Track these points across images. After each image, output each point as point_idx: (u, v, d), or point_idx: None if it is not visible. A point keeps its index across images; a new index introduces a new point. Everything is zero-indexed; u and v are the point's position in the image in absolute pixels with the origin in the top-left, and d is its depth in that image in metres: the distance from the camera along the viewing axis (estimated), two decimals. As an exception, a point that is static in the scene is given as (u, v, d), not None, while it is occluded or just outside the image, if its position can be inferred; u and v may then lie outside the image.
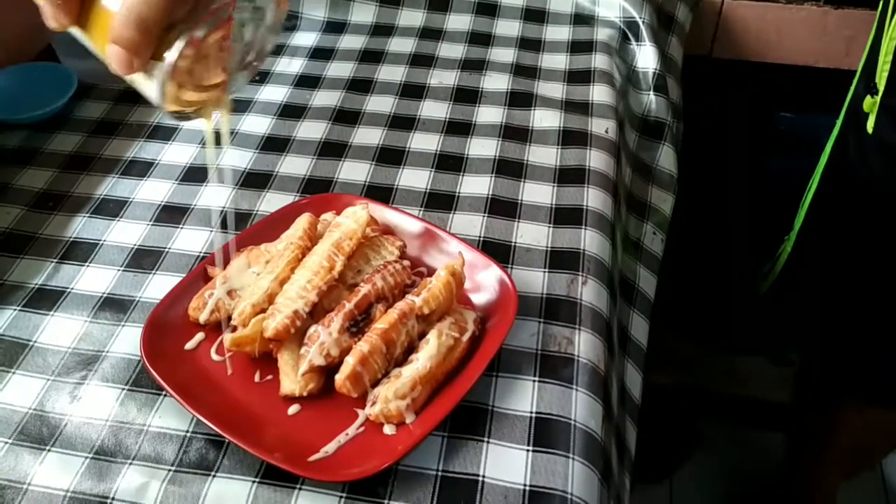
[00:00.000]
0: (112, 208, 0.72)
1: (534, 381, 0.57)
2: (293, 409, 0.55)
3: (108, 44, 0.35)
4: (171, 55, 0.36)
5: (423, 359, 0.55)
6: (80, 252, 0.68)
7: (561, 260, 0.66)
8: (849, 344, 0.94)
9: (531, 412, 0.55)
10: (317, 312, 0.58)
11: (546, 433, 0.54)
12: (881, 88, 0.75)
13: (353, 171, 0.75)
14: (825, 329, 0.97)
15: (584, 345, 0.60)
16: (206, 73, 0.39)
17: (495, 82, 0.86)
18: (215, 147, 0.46)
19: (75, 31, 0.38)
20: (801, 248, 0.96)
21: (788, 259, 0.98)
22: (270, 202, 0.72)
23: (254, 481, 0.52)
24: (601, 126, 0.80)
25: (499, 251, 0.67)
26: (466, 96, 0.84)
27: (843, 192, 0.88)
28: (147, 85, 0.38)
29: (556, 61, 0.90)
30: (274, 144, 0.79)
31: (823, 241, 0.92)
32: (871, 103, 0.77)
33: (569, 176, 0.74)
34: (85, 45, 0.39)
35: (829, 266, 0.92)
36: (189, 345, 0.59)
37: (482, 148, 0.78)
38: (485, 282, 0.62)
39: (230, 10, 0.37)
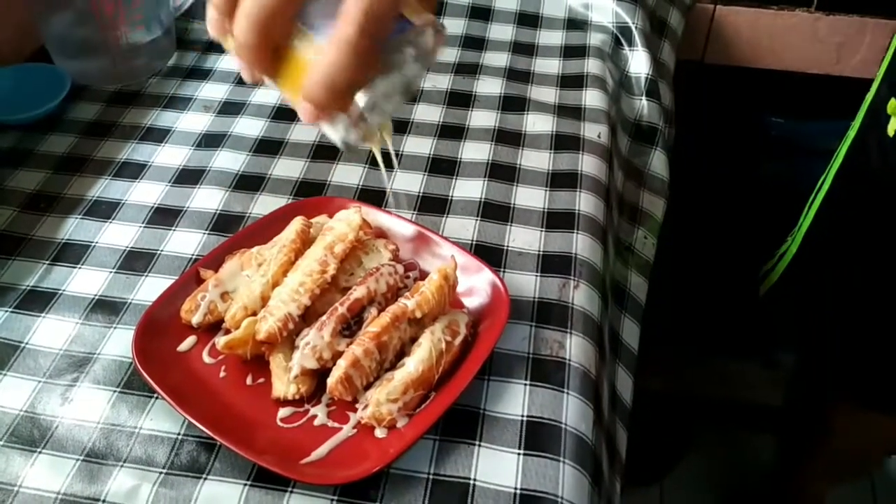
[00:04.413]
0: (105, 210, 0.72)
1: (525, 384, 0.57)
2: (285, 411, 0.55)
3: (300, 99, 0.39)
4: (353, 110, 0.40)
5: (416, 362, 0.55)
6: (73, 254, 0.68)
7: (553, 264, 0.66)
8: (850, 344, 0.94)
9: (522, 416, 0.56)
10: (309, 315, 0.58)
11: (537, 437, 0.54)
12: None
13: (347, 174, 0.75)
14: (828, 327, 0.97)
15: (575, 349, 0.60)
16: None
17: (488, 86, 0.87)
18: (386, 169, 0.51)
19: (269, 81, 0.42)
20: (807, 249, 0.96)
21: (793, 259, 0.98)
22: (263, 205, 0.72)
23: (245, 484, 0.52)
24: (593, 131, 0.80)
25: (491, 255, 0.67)
26: (460, 100, 0.85)
27: (860, 195, 0.88)
28: (330, 129, 0.42)
29: (549, 66, 0.90)
30: (267, 147, 0.79)
31: (833, 241, 0.92)
32: (894, 106, 0.77)
33: (561, 180, 0.75)
34: (277, 91, 0.42)
35: (838, 266, 0.92)
36: (181, 347, 0.59)
37: (475, 152, 0.78)
38: (477, 285, 0.62)
39: (405, 65, 0.42)
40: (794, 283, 0.98)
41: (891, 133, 0.78)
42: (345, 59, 0.37)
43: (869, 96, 0.85)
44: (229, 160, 0.77)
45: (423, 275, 0.62)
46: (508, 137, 0.80)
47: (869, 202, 0.86)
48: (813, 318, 0.99)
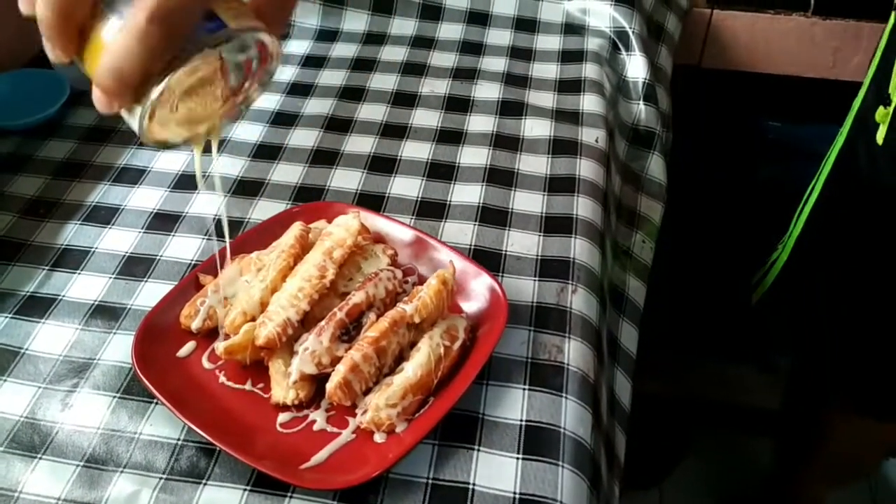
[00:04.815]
0: (104, 215, 0.72)
1: (524, 389, 0.58)
2: (284, 416, 0.55)
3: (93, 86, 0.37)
4: (146, 99, 0.37)
5: (414, 367, 0.55)
6: (72, 259, 0.68)
7: (551, 268, 0.67)
8: (841, 352, 0.94)
9: (521, 420, 0.56)
10: (308, 321, 0.58)
11: (536, 441, 0.55)
12: (895, 100, 0.76)
13: (345, 179, 0.76)
14: (821, 333, 0.97)
15: (573, 353, 0.60)
16: (190, 110, 0.41)
17: (486, 91, 0.87)
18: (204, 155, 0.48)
19: (77, 62, 0.39)
20: (798, 256, 0.96)
21: (784, 266, 0.98)
22: (262, 210, 0.72)
23: (245, 489, 0.52)
24: (591, 135, 0.81)
25: (489, 260, 0.67)
26: (458, 105, 0.85)
27: (849, 202, 0.88)
28: (129, 120, 0.40)
29: (547, 71, 0.91)
30: (266, 152, 0.79)
31: (823, 248, 0.93)
32: (883, 114, 0.77)
33: (559, 185, 0.75)
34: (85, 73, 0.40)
35: (829, 274, 0.92)
36: (181, 352, 0.59)
37: (473, 157, 0.78)
38: (475, 290, 0.62)
39: (221, 70, 0.39)
40: (786, 291, 0.98)
41: (879, 141, 0.78)
42: (132, 47, 0.35)
43: (856, 103, 0.85)
44: (228, 165, 0.77)
45: (422, 280, 0.63)
46: (506, 142, 0.80)
47: (858, 209, 0.86)
48: (806, 324, 0.99)
